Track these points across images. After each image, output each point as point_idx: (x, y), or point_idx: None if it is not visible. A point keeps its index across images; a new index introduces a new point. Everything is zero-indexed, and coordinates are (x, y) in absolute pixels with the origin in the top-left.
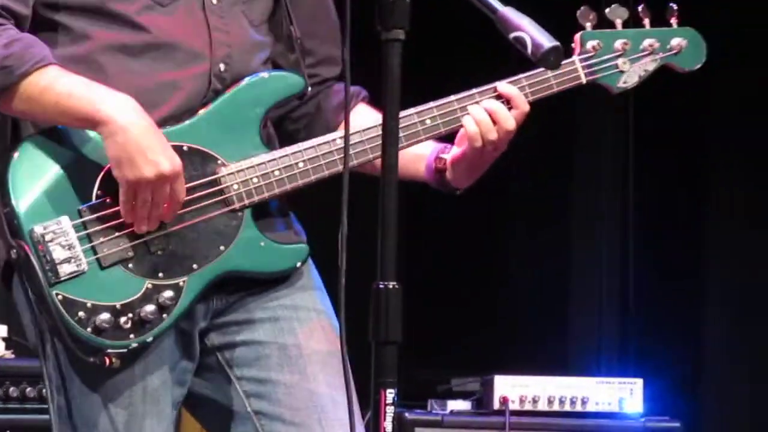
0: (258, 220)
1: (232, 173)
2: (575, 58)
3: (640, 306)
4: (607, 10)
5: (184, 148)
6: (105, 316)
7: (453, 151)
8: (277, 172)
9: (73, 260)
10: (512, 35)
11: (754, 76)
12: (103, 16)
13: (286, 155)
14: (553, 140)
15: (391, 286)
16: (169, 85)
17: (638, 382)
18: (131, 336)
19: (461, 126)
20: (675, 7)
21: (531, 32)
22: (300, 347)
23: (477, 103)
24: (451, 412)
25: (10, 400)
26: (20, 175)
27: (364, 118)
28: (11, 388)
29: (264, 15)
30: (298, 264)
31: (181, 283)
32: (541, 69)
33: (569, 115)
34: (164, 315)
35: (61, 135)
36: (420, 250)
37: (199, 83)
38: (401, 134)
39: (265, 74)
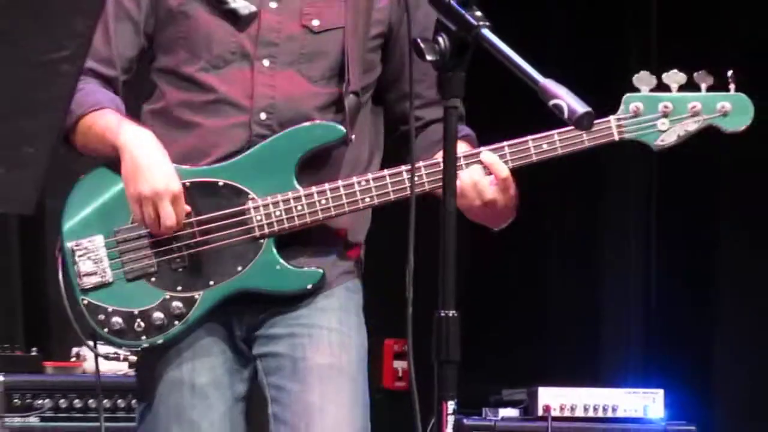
0: (282, 246)
1: (258, 206)
2: (611, 117)
3: (662, 326)
4: (664, 75)
5: (219, 183)
6: (120, 320)
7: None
8: (300, 208)
9: (98, 273)
10: (551, 102)
11: None
12: (176, 77)
13: (311, 193)
14: (582, 173)
15: (450, 315)
16: (217, 133)
17: (660, 392)
18: (143, 338)
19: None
20: (731, 73)
21: (567, 100)
22: (306, 360)
23: (503, 159)
24: (502, 418)
25: (132, 411)
26: (75, 199)
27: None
28: (133, 401)
29: (327, 72)
30: (309, 286)
31: (196, 296)
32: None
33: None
34: (176, 322)
35: (115, 167)
36: (475, 281)
37: (240, 130)
38: (427, 179)
39: (306, 124)
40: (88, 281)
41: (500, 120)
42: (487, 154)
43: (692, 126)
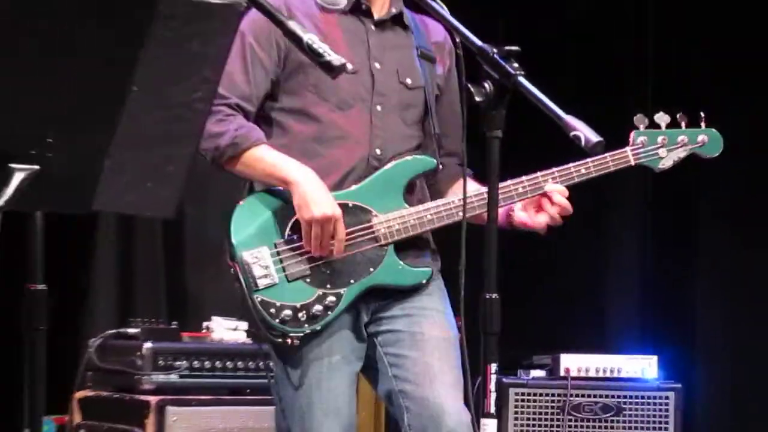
0: (399, 250)
1: (381, 221)
2: (627, 149)
3: (656, 303)
4: (656, 116)
5: (349, 204)
6: (288, 312)
7: (520, 215)
8: (412, 221)
9: (268, 276)
10: (572, 133)
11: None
12: (304, 115)
13: (419, 210)
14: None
15: (493, 296)
16: (338, 162)
17: (654, 358)
18: (306, 326)
19: (543, 193)
20: (703, 114)
21: (584, 131)
22: (423, 334)
23: (554, 180)
24: (533, 378)
25: (249, 371)
26: (239, 218)
27: (470, 187)
28: (249, 363)
29: (416, 118)
30: (424, 281)
31: (342, 292)
32: (601, 155)
33: None
34: (328, 312)
35: (271, 192)
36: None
37: (363, 163)
38: (501, 197)
39: (409, 157)
40: (261, 283)
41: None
42: (550, 185)
43: (682, 153)
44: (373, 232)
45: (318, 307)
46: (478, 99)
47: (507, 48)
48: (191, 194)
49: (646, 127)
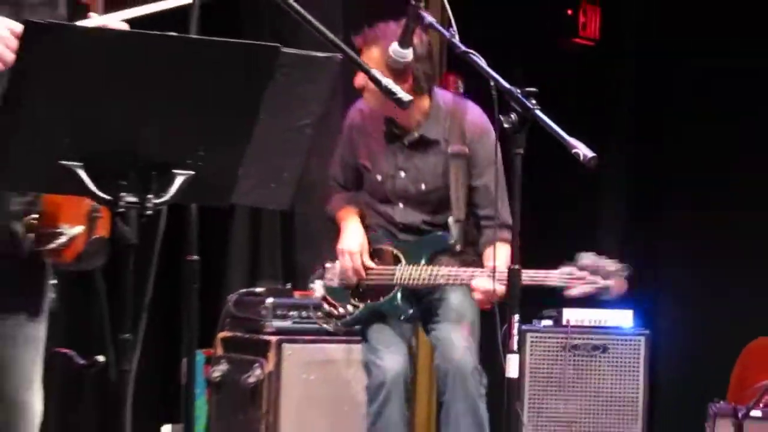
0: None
1: (402, 269)
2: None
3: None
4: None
5: (393, 251)
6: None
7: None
8: (424, 275)
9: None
10: (573, 151)
11: None
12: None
13: (434, 269)
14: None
15: (516, 268)
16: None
17: (630, 311)
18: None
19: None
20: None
21: (582, 149)
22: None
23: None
24: (543, 325)
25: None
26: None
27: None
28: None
29: (434, 209)
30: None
31: (360, 305)
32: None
33: None
34: (348, 315)
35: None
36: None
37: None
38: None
39: (438, 233)
40: (330, 283)
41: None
42: (475, 280)
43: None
44: (393, 274)
45: (347, 309)
46: (506, 126)
47: (527, 89)
48: (300, 194)
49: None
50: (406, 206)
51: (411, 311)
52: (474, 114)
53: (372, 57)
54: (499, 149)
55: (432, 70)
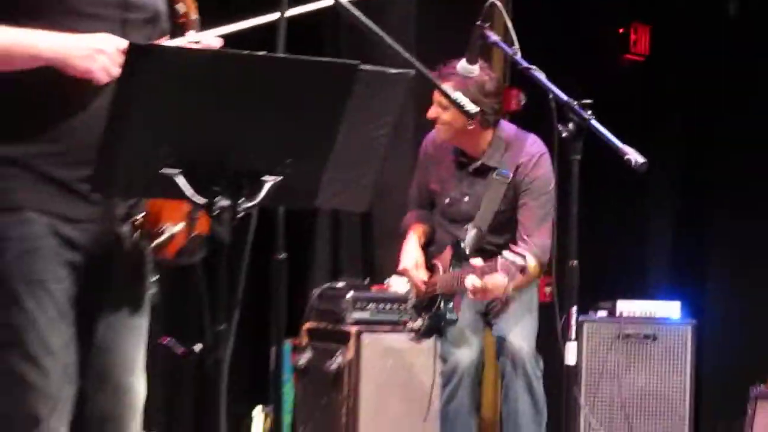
0: None
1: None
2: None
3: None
4: None
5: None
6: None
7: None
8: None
9: None
10: (625, 157)
11: None
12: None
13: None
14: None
15: (574, 264)
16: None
17: (678, 303)
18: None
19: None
20: None
21: (633, 155)
22: None
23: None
24: (599, 316)
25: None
26: None
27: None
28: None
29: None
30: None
31: None
32: None
33: None
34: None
35: None
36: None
37: None
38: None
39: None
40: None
41: None
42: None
43: None
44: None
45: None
46: (564, 134)
47: (583, 101)
48: (377, 196)
49: None
50: (472, 227)
51: (455, 317)
52: (530, 145)
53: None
54: (553, 183)
55: (498, 105)
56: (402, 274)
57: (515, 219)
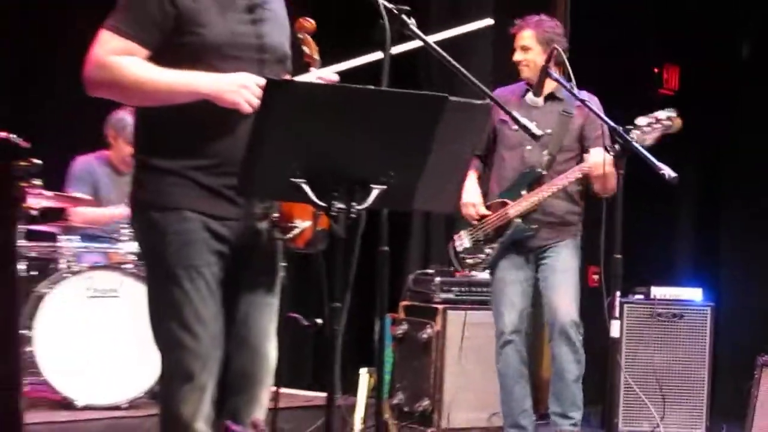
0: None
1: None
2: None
3: (703, 256)
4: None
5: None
6: (470, 260)
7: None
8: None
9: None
10: (660, 171)
11: None
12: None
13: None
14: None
15: (618, 257)
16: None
17: (700, 289)
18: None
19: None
20: None
21: (667, 170)
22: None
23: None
24: (636, 298)
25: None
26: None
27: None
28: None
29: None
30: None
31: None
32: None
33: None
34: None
35: None
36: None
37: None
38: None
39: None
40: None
41: None
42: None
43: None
44: (507, 212)
45: (486, 254)
46: (612, 154)
47: (626, 127)
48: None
49: None
50: (534, 147)
51: (535, 226)
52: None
53: (525, 35)
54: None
55: (567, 44)
56: (465, 209)
57: (572, 151)
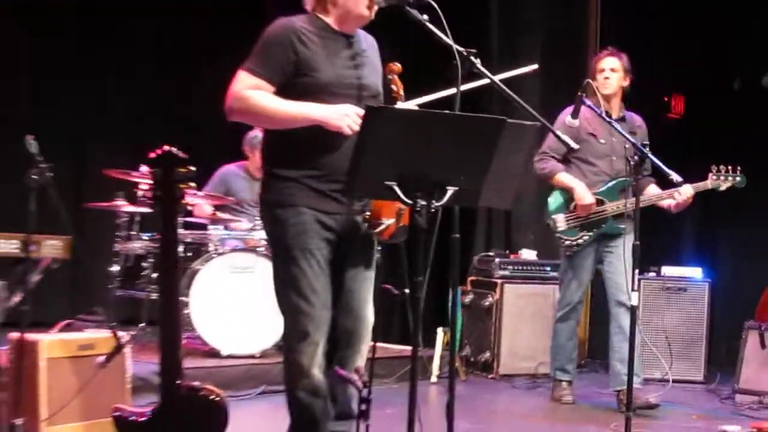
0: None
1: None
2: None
3: (702, 240)
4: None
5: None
6: (568, 241)
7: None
8: (614, 207)
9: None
10: (670, 177)
11: None
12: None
13: (620, 202)
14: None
15: (637, 243)
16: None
17: (699, 268)
18: (575, 246)
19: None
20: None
21: (675, 177)
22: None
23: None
24: (650, 276)
25: (542, 270)
26: (551, 200)
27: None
28: (539, 268)
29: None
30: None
31: (591, 233)
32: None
33: None
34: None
35: (563, 191)
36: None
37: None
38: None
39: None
40: (561, 226)
41: None
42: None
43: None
44: (605, 209)
45: (583, 238)
46: (632, 163)
47: (643, 143)
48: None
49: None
50: (618, 159)
51: (623, 226)
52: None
53: (611, 60)
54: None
55: (632, 77)
56: (587, 209)
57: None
